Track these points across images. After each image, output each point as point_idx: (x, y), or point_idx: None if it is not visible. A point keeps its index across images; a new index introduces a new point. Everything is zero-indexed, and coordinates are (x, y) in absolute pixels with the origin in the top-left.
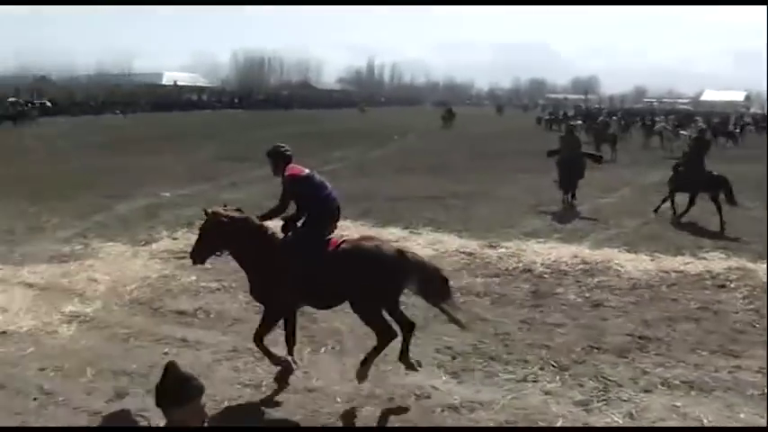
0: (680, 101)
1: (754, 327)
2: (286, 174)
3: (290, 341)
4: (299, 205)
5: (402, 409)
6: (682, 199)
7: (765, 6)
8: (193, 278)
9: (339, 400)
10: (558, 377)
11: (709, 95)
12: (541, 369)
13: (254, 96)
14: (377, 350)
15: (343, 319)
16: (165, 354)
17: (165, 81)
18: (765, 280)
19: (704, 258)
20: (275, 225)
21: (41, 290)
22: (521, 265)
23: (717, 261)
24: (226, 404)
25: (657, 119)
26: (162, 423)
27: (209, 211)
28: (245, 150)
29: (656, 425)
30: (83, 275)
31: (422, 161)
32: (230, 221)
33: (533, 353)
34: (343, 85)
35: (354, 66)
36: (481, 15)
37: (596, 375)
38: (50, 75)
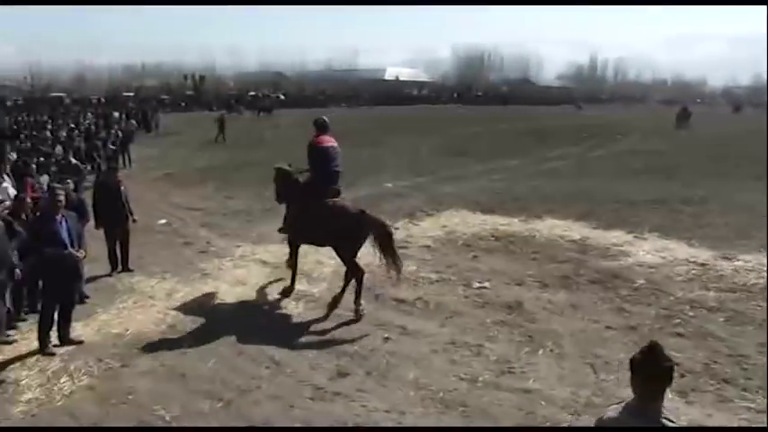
0: None
1: None
2: (312, 140)
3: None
4: (311, 167)
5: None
6: None
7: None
8: (413, 268)
9: (556, 404)
10: None
11: None
12: None
13: (473, 92)
14: (346, 284)
15: (563, 322)
16: (386, 339)
17: (387, 76)
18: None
19: None
20: None
21: (274, 268)
22: (761, 281)
23: None
24: (441, 395)
25: None
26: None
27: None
28: (463, 145)
29: None
30: (311, 258)
31: (648, 163)
32: (281, 174)
33: None
34: (563, 82)
35: (576, 62)
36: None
37: None
38: (285, 71)
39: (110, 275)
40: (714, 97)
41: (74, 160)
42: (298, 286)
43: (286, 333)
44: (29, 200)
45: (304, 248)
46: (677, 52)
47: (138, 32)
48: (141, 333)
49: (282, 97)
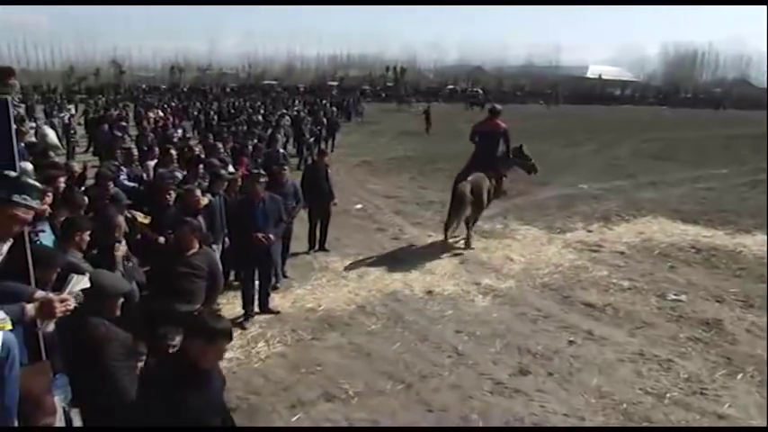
0: None
1: None
2: None
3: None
4: None
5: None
6: None
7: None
8: (605, 273)
9: None
10: None
11: None
12: None
13: (681, 93)
14: None
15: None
16: (571, 342)
17: (589, 74)
18: None
19: None
20: None
21: (463, 260)
22: None
23: None
24: (624, 406)
25: None
26: None
27: None
28: (667, 149)
29: None
30: (500, 253)
31: None
32: None
33: None
34: None
35: None
36: None
37: None
38: (484, 65)
39: (307, 253)
40: None
41: (282, 150)
42: (485, 280)
43: (471, 325)
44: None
45: (493, 244)
46: None
47: (345, 24)
48: (332, 310)
49: (481, 92)
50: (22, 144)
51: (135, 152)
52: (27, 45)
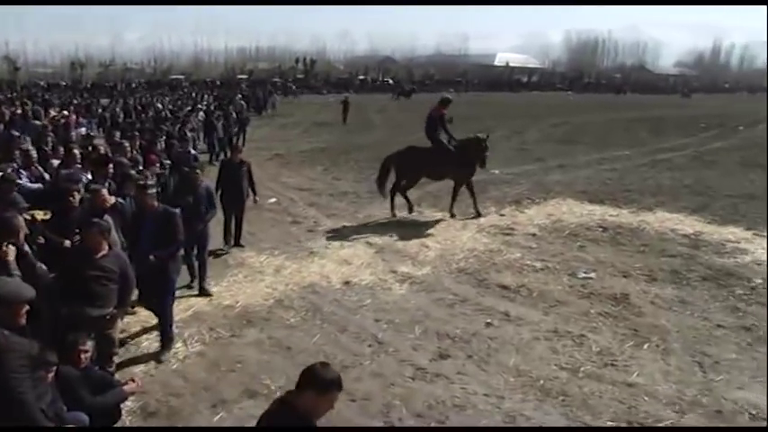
0: None
1: None
2: None
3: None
4: None
5: (731, 427)
6: None
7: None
8: (518, 255)
9: (659, 400)
10: None
11: None
12: None
13: (585, 79)
14: None
15: (671, 318)
16: (488, 324)
17: (497, 62)
18: None
19: None
20: None
21: (379, 249)
22: None
23: None
24: (541, 383)
25: None
26: None
27: None
28: (572, 133)
29: None
30: (416, 241)
31: None
32: None
33: None
34: (681, 70)
35: (698, 48)
36: None
37: None
38: (394, 55)
39: (222, 251)
40: None
41: (193, 151)
42: (402, 268)
43: (389, 313)
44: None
45: (409, 231)
46: None
47: (252, 16)
48: (250, 305)
49: (391, 82)
50: None
51: (34, 153)
52: None
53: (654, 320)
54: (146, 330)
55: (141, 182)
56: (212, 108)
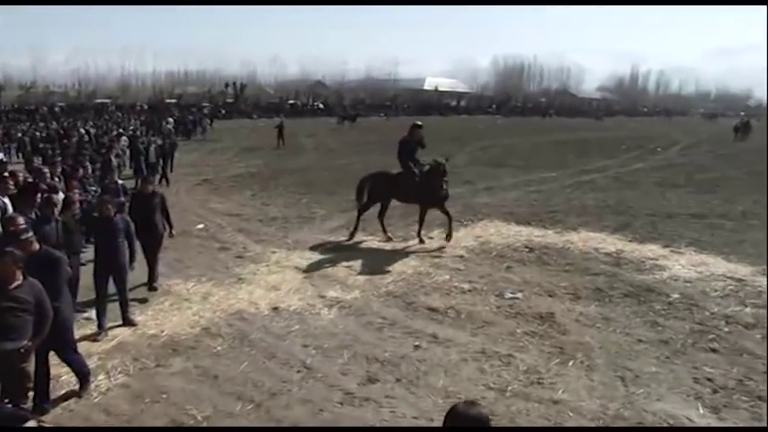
0: None
1: None
2: None
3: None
4: None
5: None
6: None
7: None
8: (447, 277)
9: (584, 416)
10: None
11: None
12: None
13: (512, 102)
14: None
15: (594, 334)
16: (417, 346)
17: (426, 86)
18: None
19: None
20: None
21: (308, 274)
22: None
23: None
24: None
25: None
26: None
27: None
28: (500, 156)
29: None
30: (345, 265)
31: (688, 177)
32: None
33: None
34: (603, 94)
35: (617, 73)
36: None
37: None
38: (325, 79)
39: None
40: (761, 110)
41: (120, 181)
42: (331, 293)
43: (318, 338)
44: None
45: (339, 256)
46: (723, 63)
47: (182, 40)
48: (176, 334)
49: (322, 106)
50: None
51: None
52: None
53: (578, 338)
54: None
55: (12, 228)
56: (138, 133)
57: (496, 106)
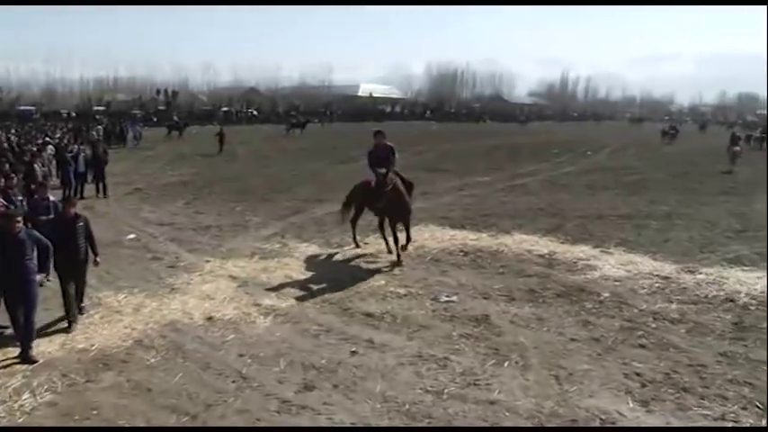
0: None
1: None
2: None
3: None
4: None
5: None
6: None
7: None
8: (382, 282)
9: (520, 415)
10: (764, 421)
11: None
12: (743, 409)
13: (446, 108)
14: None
15: (528, 335)
16: (353, 352)
17: (360, 92)
18: None
19: None
20: None
21: (243, 282)
22: (722, 293)
23: None
24: (407, 407)
25: None
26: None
27: None
28: (435, 161)
29: None
30: (280, 272)
31: (616, 179)
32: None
33: (734, 390)
34: (534, 99)
35: (547, 79)
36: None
37: None
38: (258, 86)
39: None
40: (681, 115)
41: (52, 198)
42: (266, 301)
43: (254, 347)
44: None
45: (272, 264)
46: (646, 70)
47: (111, 46)
48: (107, 348)
49: (255, 113)
50: None
51: None
52: None
53: (513, 338)
54: None
55: None
56: (66, 142)
57: (431, 112)
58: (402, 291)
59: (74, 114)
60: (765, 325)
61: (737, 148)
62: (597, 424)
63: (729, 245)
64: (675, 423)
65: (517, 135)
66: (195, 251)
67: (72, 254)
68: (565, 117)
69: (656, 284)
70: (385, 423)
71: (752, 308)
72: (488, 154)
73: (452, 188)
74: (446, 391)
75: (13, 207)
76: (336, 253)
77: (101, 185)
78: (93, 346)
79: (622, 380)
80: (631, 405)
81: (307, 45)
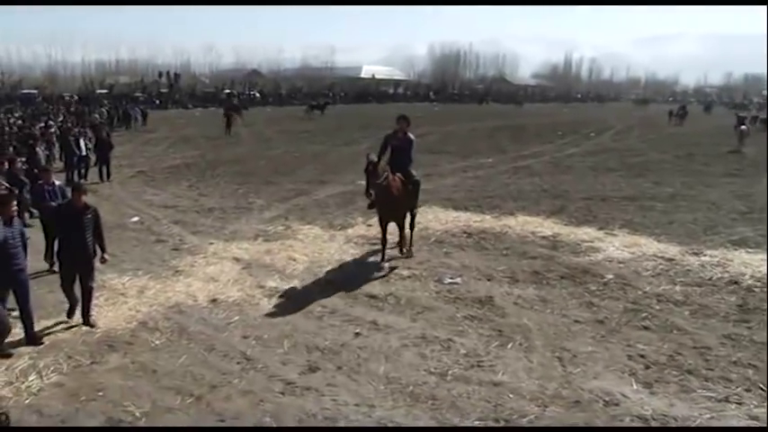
0: None
1: None
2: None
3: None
4: None
5: (588, 414)
6: None
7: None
8: (386, 264)
9: (524, 396)
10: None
11: None
12: (747, 391)
13: (449, 90)
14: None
15: (532, 316)
16: (357, 334)
17: (363, 74)
18: None
19: None
20: None
21: (247, 265)
22: (727, 275)
23: None
24: (411, 389)
25: None
26: None
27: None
28: (438, 143)
29: None
30: (283, 254)
31: (621, 161)
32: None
33: (738, 372)
34: (538, 81)
35: (551, 60)
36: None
37: None
38: (261, 68)
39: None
40: (686, 96)
41: (58, 182)
42: (270, 283)
43: (258, 329)
44: None
45: (276, 246)
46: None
47: (112, 29)
48: (112, 330)
49: (258, 95)
50: None
51: None
52: None
53: (517, 320)
54: None
55: None
56: (69, 125)
57: (434, 93)
58: (406, 272)
59: (76, 98)
60: (766, 307)
61: (744, 128)
62: (600, 405)
63: (734, 227)
64: (679, 405)
65: (521, 116)
66: (199, 233)
67: (76, 249)
68: (569, 98)
69: (661, 266)
70: (389, 404)
71: (756, 290)
72: (492, 135)
73: (456, 170)
74: (450, 372)
75: (17, 190)
76: (340, 235)
77: (104, 169)
78: (98, 327)
79: (626, 362)
80: (635, 387)
81: (309, 27)
